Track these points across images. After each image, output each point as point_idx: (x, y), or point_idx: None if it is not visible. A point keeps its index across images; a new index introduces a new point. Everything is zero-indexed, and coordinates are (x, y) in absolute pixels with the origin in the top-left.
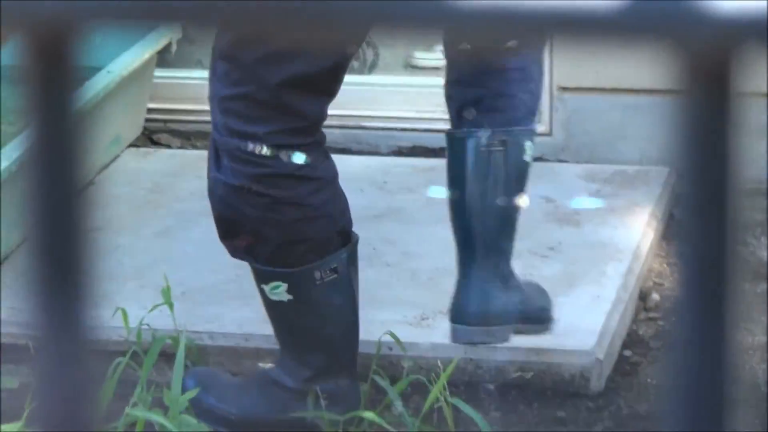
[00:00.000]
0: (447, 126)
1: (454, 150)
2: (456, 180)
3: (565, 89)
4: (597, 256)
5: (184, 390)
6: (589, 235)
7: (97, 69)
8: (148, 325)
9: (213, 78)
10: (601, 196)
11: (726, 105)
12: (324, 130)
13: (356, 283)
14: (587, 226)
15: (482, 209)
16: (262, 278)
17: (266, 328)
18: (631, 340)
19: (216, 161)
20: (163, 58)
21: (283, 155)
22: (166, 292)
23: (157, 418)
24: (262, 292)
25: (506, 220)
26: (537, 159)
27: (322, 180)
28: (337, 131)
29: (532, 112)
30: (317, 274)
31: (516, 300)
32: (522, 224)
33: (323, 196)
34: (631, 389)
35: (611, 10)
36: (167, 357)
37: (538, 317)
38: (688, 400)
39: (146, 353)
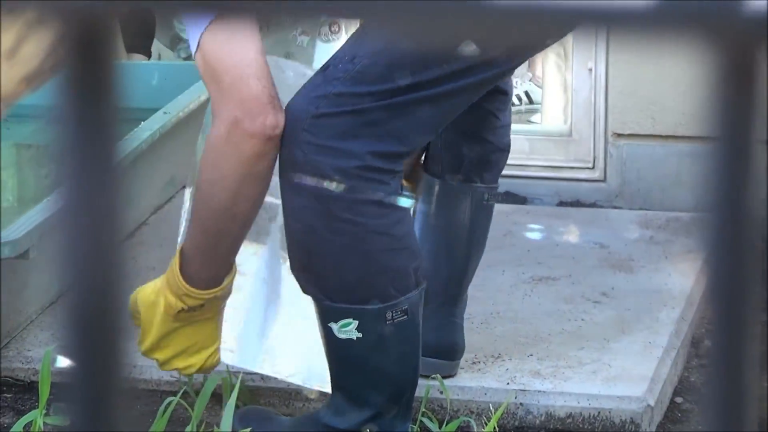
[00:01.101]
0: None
1: (454, 198)
2: (456, 226)
3: (620, 135)
4: (650, 303)
5: (234, 430)
6: (642, 282)
7: (153, 110)
8: None
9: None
10: (656, 242)
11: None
12: None
13: (420, 325)
14: (641, 272)
15: (476, 255)
16: (331, 316)
17: None
18: (683, 387)
19: (295, 187)
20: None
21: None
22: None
23: None
24: (328, 330)
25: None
26: (591, 205)
27: (405, 210)
28: None
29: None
30: (389, 314)
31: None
32: (575, 269)
33: (406, 228)
34: None
35: (644, 6)
36: (218, 397)
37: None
38: None
39: (197, 393)
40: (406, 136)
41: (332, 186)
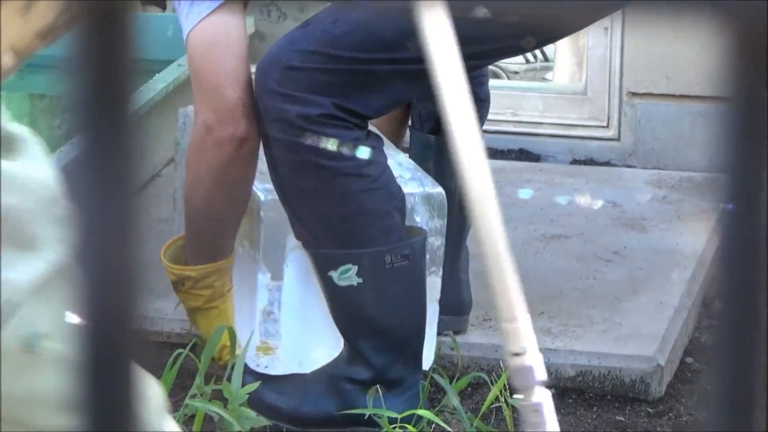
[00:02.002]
0: (514, 128)
1: (437, 153)
2: (445, 182)
3: (634, 95)
4: (662, 262)
5: (243, 385)
6: (654, 241)
7: (168, 62)
8: None
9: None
10: (668, 202)
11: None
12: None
13: (424, 276)
14: (653, 231)
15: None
16: (330, 264)
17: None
18: (694, 347)
19: (269, 140)
20: None
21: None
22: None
23: (216, 409)
24: (328, 280)
25: None
26: (604, 164)
27: (373, 150)
28: None
29: None
30: (388, 258)
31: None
32: (588, 228)
33: (379, 169)
34: (691, 396)
35: None
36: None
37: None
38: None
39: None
40: (372, 104)
41: (298, 133)
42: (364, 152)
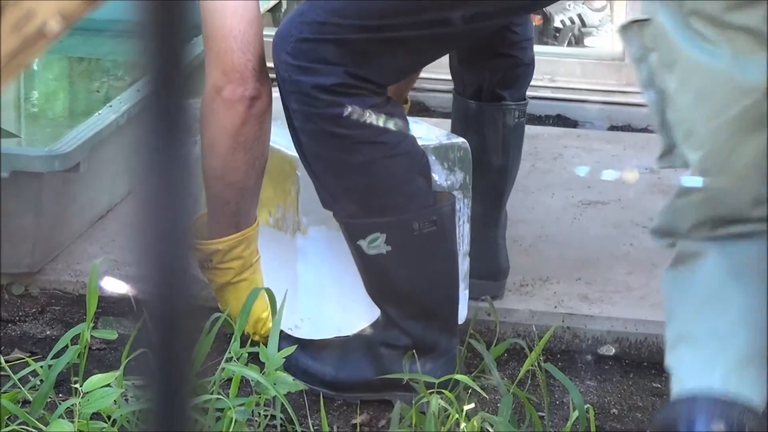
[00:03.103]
0: (552, 94)
1: (483, 119)
2: (489, 147)
3: None
4: None
5: (279, 349)
6: None
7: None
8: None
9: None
10: None
11: None
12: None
13: (455, 240)
14: None
15: (512, 175)
16: (358, 233)
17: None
18: None
19: (290, 112)
20: (273, 17)
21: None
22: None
23: (252, 373)
24: (358, 250)
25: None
26: (642, 129)
27: (392, 117)
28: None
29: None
30: (415, 225)
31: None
32: (625, 195)
33: (399, 134)
34: None
35: None
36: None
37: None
38: None
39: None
40: (385, 71)
41: (314, 103)
42: (381, 119)
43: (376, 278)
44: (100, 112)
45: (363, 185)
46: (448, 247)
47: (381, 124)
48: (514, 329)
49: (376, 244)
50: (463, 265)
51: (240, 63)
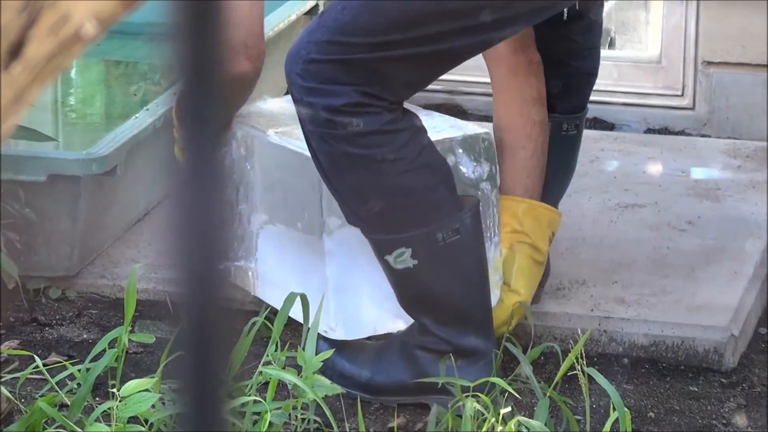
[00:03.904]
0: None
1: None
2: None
3: (710, 63)
4: (736, 232)
5: (317, 353)
6: (728, 210)
7: None
8: None
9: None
10: (743, 171)
11: None
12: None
13: (481, 245)
14: (727, 201)
15: (557, 186)
16: (384, 249)
17: None
18: None
19: (306, 134)
20: (310, 19)
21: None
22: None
23: (289, 376)
24: (386, 265)
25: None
26: (679, 132)
27: (409, 130)
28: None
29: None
30: (439, 236)
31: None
32: (661, 197)
33: (417, 147)
34: (765, 367)
35: None
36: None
37: None
38: None
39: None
40: (395, 87)
41: (327, 125)
42: (397, 135)
43: (407, 291)
44: (137, 115)
45: (384, 202)
46: (475, 253)
47: (398, 140)
48: (551, 332)
49: (403, 259)
50: (495, 253)
51: (231, 37)
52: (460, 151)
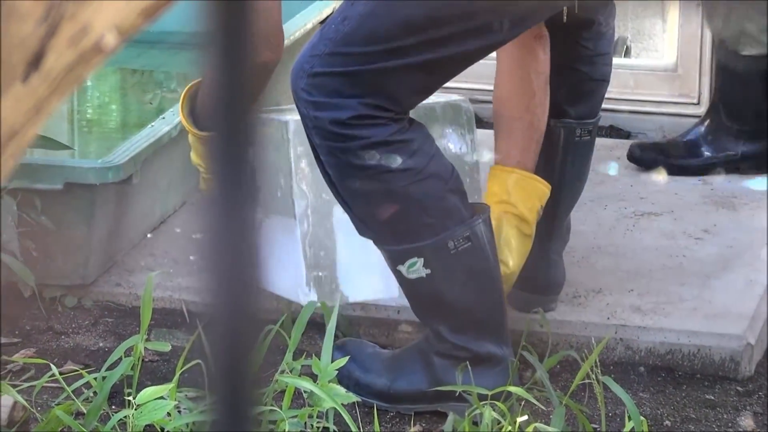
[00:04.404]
0: (605, 105)
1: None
2: (544, 164)
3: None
4: (752, 240)
5: (332, 361)
6: (744, 219)
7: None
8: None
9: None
10: (760, 179)
11: None
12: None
13: (494, 251)
14: (743, 209)
15: (570, 193)
16: (397, 259)
17: None
18: None
19: (315, 147)
20: None
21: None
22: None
23: (306, 384)
24: (399, 275)
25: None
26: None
27: (416, 140)
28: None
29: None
30: (450, 244)
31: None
32: (678, 206)
33: (424, 156)
34: None
35: None
36: (318, 327)
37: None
38: None
39: (295, 322)
40: (400, 97)
41: (335, 138)
42: (404, 146)
43: (421, 300)
44: (153, 124)
45: (394, 213)
46: (487, 259)
47: (405, 150)
48: (567, 341)
49: (415, 269)
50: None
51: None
52: (444, 122)
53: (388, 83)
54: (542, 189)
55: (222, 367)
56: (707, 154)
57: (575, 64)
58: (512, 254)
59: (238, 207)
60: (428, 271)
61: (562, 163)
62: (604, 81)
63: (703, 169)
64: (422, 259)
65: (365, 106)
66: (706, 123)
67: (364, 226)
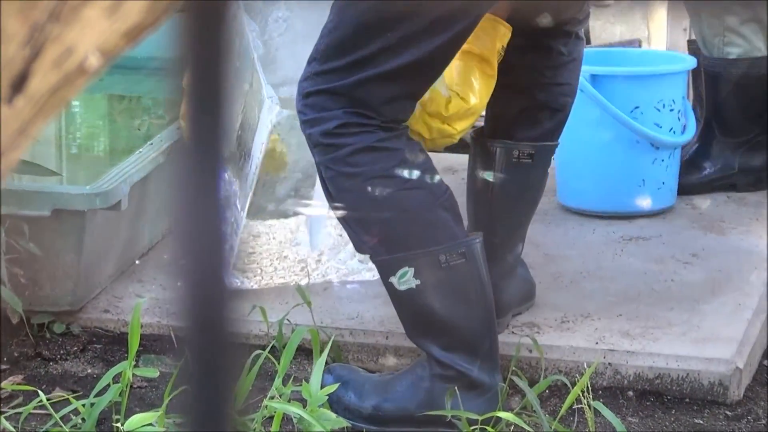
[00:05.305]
0: None
1: (479, 154)
2: (477, 184)
3: None
4: (741, 264)
5: (322, 386)
6: (733, 243)
7: None
8: (288, 320)
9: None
10: (747, 204)
11: None
12: None
13: (486, 275)
14: (732, 233)
15: (506, 217)
16: (388, 270)
17: None
18: None
19: (316, 164)
20: None
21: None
22: (301, 290)
23: (295, 410)
24: (391, 288)
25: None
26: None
27: (403, 150)
28: None
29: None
30: (442, 257)
31: (518, 286)
32: (666, 229)
33: (411, 167)
34: None
35: None
36: (307, 353)
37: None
38: None
39: (285, 347)
40: (376, 107)
41: (327, 151)
42: (391, 154)
43: (411, 315)
44: (140, 149)
45: (383, 219)
46: (481, 281)
47: (391, 158)
48: (556, 365)
49: (406, 279)
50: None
51: None
52: None
53: (368, 94)
54: (502, 30)
55: (196, 393)
56: (705, 172)
57: (531, 90)
58: (475, 93)
59: (210, 234)
60: (418, 282)
61: (495, 186)
62: (558, 111)
63: (700, 188)
64: (413, 269)
65: (350, 114)
66: (701, 141)
67: (360, 240)
